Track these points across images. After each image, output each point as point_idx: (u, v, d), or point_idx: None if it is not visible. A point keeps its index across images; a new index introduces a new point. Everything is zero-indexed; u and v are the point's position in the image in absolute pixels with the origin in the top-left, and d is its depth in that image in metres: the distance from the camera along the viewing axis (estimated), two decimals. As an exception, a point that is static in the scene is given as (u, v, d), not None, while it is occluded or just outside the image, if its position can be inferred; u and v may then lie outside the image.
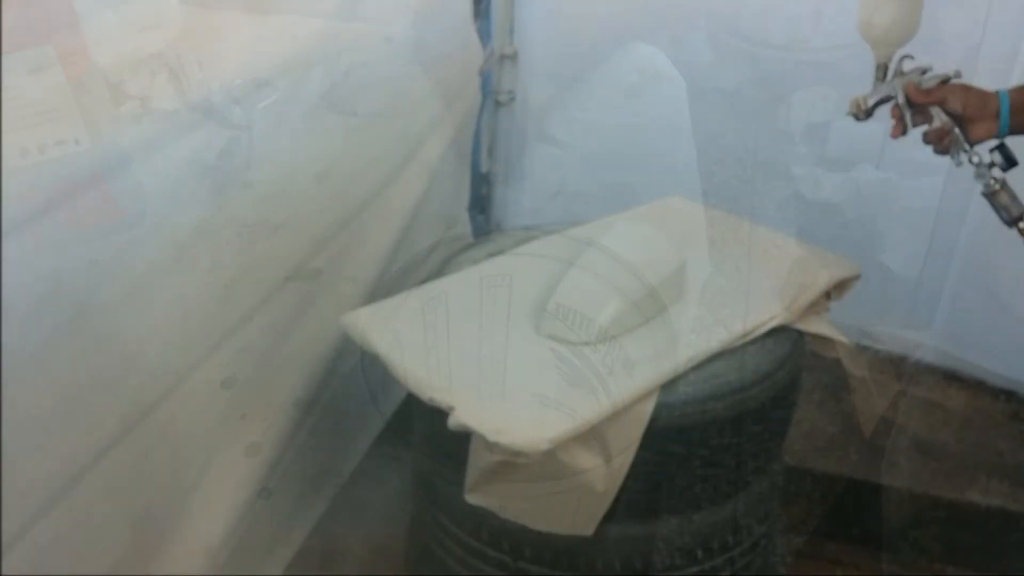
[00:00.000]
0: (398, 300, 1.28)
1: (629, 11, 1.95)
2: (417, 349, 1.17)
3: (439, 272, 1.37)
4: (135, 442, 1.08)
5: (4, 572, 0.89)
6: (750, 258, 1.39)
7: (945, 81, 1.23)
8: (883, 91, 1.25)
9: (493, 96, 2.19)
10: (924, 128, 1.22)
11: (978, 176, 1.19)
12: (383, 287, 1.52)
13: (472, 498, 1.15)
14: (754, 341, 1.21)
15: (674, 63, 1.77)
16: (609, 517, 1.14)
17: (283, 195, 1.35)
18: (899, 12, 1.22)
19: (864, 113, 1.25)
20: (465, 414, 1.03)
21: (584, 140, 2.11)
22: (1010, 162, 1.20)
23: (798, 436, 1.72)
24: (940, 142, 1.21)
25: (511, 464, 1.05)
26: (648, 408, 1.09)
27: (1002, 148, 1.20)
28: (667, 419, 1.10)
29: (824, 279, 1.30)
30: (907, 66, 1.25)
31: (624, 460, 1.10)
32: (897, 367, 1.94)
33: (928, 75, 1.24)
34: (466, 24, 1.89)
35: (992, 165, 1.19)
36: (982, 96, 1.20)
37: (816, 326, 1.26)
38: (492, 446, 1.01)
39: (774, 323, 1.22)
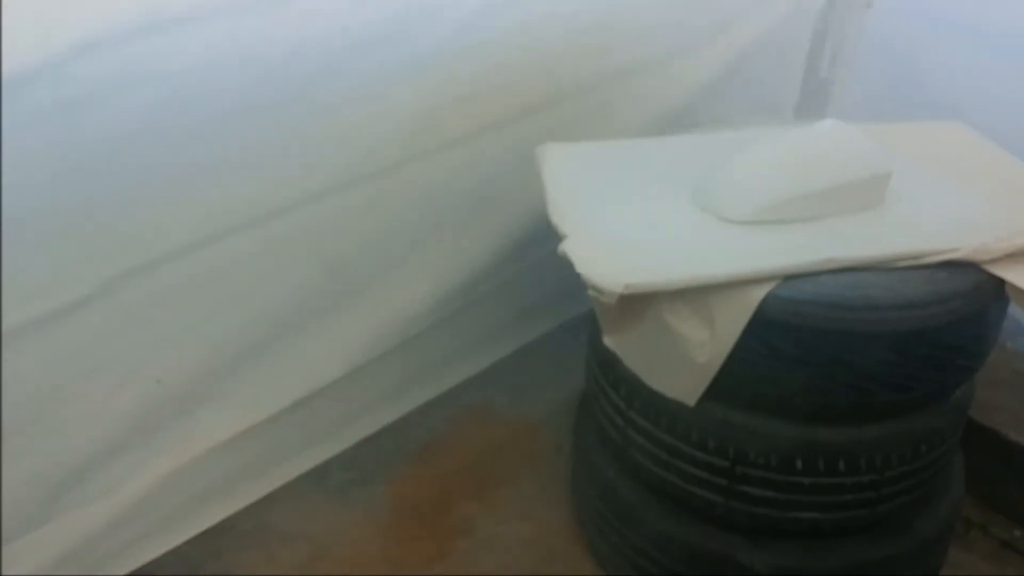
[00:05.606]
0: (593, 144, 1.37)
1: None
2: (574, 183, 1.25)
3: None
4: (344, 201, 1.31)
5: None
6: (978, 190, 1.22)
7: None
8: None
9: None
10: None
11: None
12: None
13: (606, 340, 1.25)
14: (922, 267, 1.09)
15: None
16: (713, 397, 1.17)
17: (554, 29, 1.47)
18: None
19: None
20: (571, 243, 1.12)
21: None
22: None
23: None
24: None
25: (619, 310, 1.13)
26: (759, 294, 1.07)
27: None
28: (778, 313, 1.08)
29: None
30: None
31: (727, 338, 1.10)
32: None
33: None
34: None
35: None
36: None
37: (1016, 275, 1.09)
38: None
39: (954, 255, 1.08)
